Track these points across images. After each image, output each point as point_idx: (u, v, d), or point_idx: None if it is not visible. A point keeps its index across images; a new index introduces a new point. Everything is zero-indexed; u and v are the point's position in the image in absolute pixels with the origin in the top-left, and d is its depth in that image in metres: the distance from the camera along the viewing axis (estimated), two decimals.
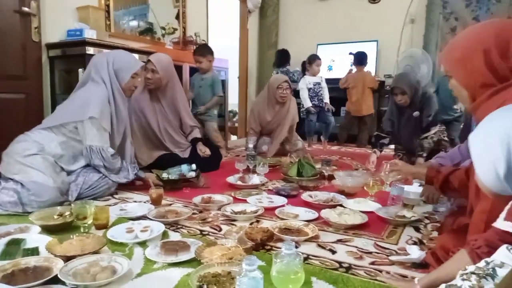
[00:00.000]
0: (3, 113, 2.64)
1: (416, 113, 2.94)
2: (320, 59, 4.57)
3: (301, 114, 4.39)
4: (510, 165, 0.77)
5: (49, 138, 2.03)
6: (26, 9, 2.74)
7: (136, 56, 3.21)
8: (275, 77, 3.69)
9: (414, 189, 2.08)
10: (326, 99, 4.49)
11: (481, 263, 0.83)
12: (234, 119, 6.28)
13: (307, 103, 4.43)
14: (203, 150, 2.94)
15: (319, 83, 4.50)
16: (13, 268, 1.18)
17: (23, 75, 2.79)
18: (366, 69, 4.80)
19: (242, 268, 0.94)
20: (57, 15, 2.99)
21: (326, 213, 1.77)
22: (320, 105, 4.47)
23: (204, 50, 3.70)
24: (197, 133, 3.05)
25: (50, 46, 2.95)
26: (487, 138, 0.82)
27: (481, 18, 4.65)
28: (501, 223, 0.91)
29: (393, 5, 5.25)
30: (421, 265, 1.30)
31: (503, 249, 0.82)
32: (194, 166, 2.45)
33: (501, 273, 0.78)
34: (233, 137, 5.86)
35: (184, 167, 2.41)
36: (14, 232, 1.50)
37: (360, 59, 4.71)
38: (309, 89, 4.47)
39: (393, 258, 1.36)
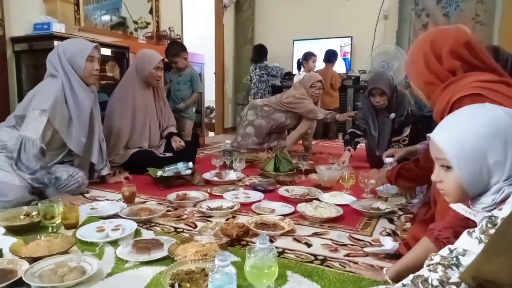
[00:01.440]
0: None
1: (392, 115, 2.79)
2: (315, 55, 4.54)
3: None
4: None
5: (11, 135, 1.93)
6: None
7: (108, 50, 3.15)
8: (309, 75, 3.66)
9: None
10: None
11: (445, 251, 0.84)
12: (211, 116, 6.23)
13: None
14: (178, 141, 2.87)
15: None
16: None
17: None
18: (335, 67, 4.92)
19: (215, 264, 0.92)
20: (22, 7, 2.86)
21: (302, 207, 1.78)
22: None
23: (176, 50, 3.61)
24: (173, 129, 3.00)
25: (16, 40, 2.82)
26: (479, 141, 0.79)
27: (451, 14, 4.78)
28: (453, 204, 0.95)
29: (367, 1, 5.32)
30: (395, 256, 1.31)
31: (464, 235, 0.84)
32: (190, 164, 2.41)
33: (465, 261, 0.79)
34: (211, 134, 5.81)
35: (180, 165, 2.36)
36: None
37: (328, 56, 4.81)
38: None
39: (367, 249, 1.37)
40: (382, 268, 1.19)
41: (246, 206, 1.88)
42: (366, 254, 1.35)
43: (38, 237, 1.33)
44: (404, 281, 0.89)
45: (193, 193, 2.07)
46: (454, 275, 0.79)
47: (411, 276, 0.88)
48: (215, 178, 2.44)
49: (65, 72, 2.05)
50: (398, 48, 4.68)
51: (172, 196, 1.99)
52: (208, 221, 1.69)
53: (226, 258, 0.92)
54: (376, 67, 4.62)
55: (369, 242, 1.47)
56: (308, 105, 3.44)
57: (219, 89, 5.84)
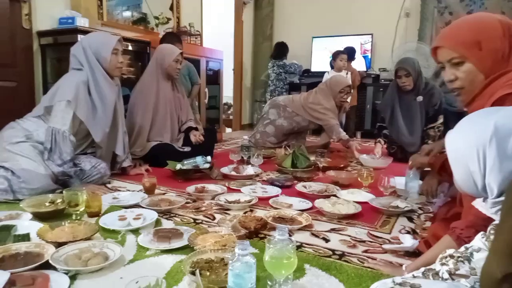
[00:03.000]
0: None
1: (419, 98, 2.88)
2: (344, 53, 4.40)
3: None
4: (486, 179, 0.80)
5: (37, 126, 2.00)
6: None
7: (130, 45, 3.20)
8: (338, 80, 3.52)
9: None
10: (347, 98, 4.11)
11: (461, 248, 0.85)
12: (229, 112, 6.26)
13: None
14: (198, 135, 2.91)
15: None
16: (3, 254, 1.16)
17: (12, 63, 2.75)
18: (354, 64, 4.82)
19: (235, 253, 0.93)
20: (49, 2, 2.94)
21: (320, 203, 1.77)
22: None
23: (173, 39, 3.40)
24: (192, 123, 3.04)
25: (42, 34, 2.91)
26: (465, 147, 0.82)
27: (475, 12, 4.67)
28: (475, 202, 0.93)
29: None
30: (414, 254, 1.30)
31: (478, 237, 0.85)
32: (208, 158, 2.43)
33: (477, 256, 0.80)
34: (228, 130, 5.84)
35: (199, 159, 2.39)
36: (4, 219, 1.48)
37: (348, 54, 4.66)
38: None
39: (386, 246, 1.36)
40: (401, 265, 1.18)
41: (263, 201, 1.89)
42: (385, 251, 1.34)
43: (63, 223, 1.38)
44: (415, 273, 0.90)
45: (211, 187, 2.09)
46: (464, 268, 0.80)
47: (422, 268, 0.89)
48: (233, 173, 2.46)
49: (90, 65, 2.10)
50: (425, 45, 4.58)
51: (191, 188, 2.02)
52: (226, 213, 1.71)
53: (246, 247, 0.93)
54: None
55: (388, 240, 1.46)
56: (331, 120, 3.35)
57: (237, 85, 5.86)
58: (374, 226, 1.59)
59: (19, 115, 2.09)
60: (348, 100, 3.68)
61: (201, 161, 2.42)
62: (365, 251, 1.34)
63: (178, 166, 2.37)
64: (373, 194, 2.00)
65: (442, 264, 0.84)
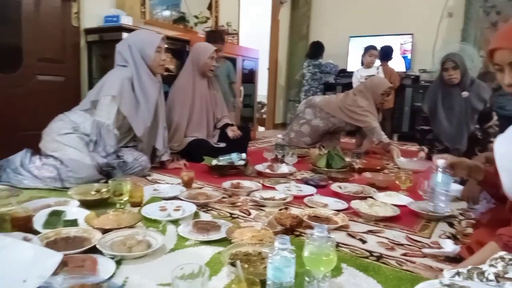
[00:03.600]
0: (44, 94, 2.77)
1: (465, 93, 2.80)
2: (374, 48, 4.21)
3: None
4: None
5: (84, 118, 2.10)
6: None
7: (170, 43, 3.29)
8: (379, 81, 3.45)
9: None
10: None
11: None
12: (262, 111, 6.29)
13: None
14: (235, 130, 2.97)
15: (372, 76, 3.98)
16: (55, 237, 1.24)
17: (62, 58, 2.90)
18: (392, 64, 4.69)
19: (275, 247, 0.95)
20: (96, 1, 3.08)
21: (356, 204, 1.76)
22: None
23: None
24: (227, 120, 3.10)
25: (88, 31, 3.05)
26: None
27: None
28: None
29: None
30: (454, 259, 1.26)
31: None
32: (244, 155, 2.48)
33: None
34: (261, 128, 5.87)
35: (234, 156, 2.44)
36: (53, 205, 1.56)
37: (384, 54, 4.55)
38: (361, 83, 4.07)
39: (426, 250, 1.33)
40: (441, 270, 1.15)
41: (298, 199, 1.90)
42: (424, 255, 1.31)
43: (108, 211, 1.45)
44: (460, 269, 0.88)
45: (246, 183, 2.12)
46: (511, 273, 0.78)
47: (469, 266, 0.86)
48: (267, 170, 2.48)
49: (134, 62, 2.19)
50: (470, 46, 4.40)
51: (227, 184, 2.05)
52: (261, 209, 1.73)
53: (285, 242, 0.95)
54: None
55: (427, 244, 1.42)
56: (372, 122, 3.26)
57: (272, 84, 5.88)
58: (413, 230, 1.56)
59: (66, 108, 2.21)
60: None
61: (236, 158, 2.46)
62: (404, 254, 1.32)
63: (214, 161, 2.42)
64: (412, 197, 1.95)
65: (491, 266, 0.82)
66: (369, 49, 4.26)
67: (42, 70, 2.77)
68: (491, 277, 0.80)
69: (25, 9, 2.64)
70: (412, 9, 5.19)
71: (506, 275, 0.79)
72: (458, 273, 0.87)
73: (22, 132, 2.62)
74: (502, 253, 0.84)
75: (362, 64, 4.38)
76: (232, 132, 2.95)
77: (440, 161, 1.40)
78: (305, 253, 0.99)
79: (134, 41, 2.22)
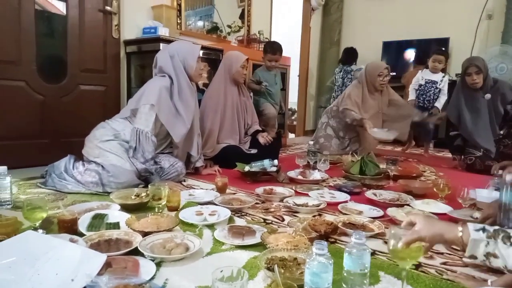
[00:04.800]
0: (86, 103, 2.92)
1: (487, 96, 2.84)
2: (440, 53, 3.81)
3: None
4: None
5: (124, 126, 2.19)
6: (108, 8, 2.99)
7: (205, 52, 3.38)
8: (373, 64, 3.48)
9: (487, 193, 1.95)
10: (437, 102, 3.82)
11: None
12: (293, 117, 6.28)
13: (410, 96, 3.98)
14: (266, 136, 3.03)
15: (434, 82, 3.82)
16: (99, 239, 1.30)
17: (103, 69, 3.05)
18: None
19: (313, 252, 0.95)
20: (134, 13, 3.22)
21: (392, 212, 1.72)
22: (425, 106, 3.84)
23: (281, 50, 3.75)
24: (258, 127, 3.14)
25: (128, 43, 3.18)
26: None
27: None
28: None
29: (468, 0, 4.92)
30: (498, 270, 1.21)
31: None
32: (276, 161, 2.50)
33: None
34: (291, 135, 5.87)
35: (266, 162, 2.47)
36: (96, 208, 1.65)
37: (418, 57, 4.44)
38: (419, 86, 3.90)
39: (467, 260, 1.29)
40: (485, 280, 1.11)
41: (332, 206, 1.88)
42: (466, 265, 1.27)
43: (147, 215, 1.50)
44: (487, 227, 0.88)
45: (279, 189, 2.13)
46: None
47: (496, 227, 0.87)
48: (300, 177, 2.48)
49: (175, 71, 2.28)
50: None
51: (259, 190, 2.07)
52: (295, 216, 1.73)
53: (323, 247, 0.95)
54: (492, 70, 4.09)
55: None
56: (344, 106, 3.35)
57: (302, 91, 5.87)
58: None
59: (107, 116, 2.32)
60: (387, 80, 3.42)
61: (268, 164, 2.48)
62: (444, 263, 1.28)
63: (247, 168, 2.45)
64: (451, 206, 1.89)
65: None
66: (433, 53, 3.88)
67: (85, 80, 2.93)
68: None
69: (70, 23, 2.81)
70: (448, 12, 5.04)
71: None
72: (483, 229, 0.87)
73: (66, 139, 2.77)
74: None
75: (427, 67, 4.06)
76: (263, 138, 2.98)
77: (510, 176, 1.34)
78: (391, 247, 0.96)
79: (176, 51, 2.31)
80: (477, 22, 4.86)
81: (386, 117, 3.50)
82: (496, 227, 0.87)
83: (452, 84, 4.69)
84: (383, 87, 3.40)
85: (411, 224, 0.97)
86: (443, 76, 3.85)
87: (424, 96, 3.86)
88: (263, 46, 4.09)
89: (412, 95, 3.97)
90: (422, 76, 3.91)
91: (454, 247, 1.42)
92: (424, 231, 0.91)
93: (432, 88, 3.82)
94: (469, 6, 4.89)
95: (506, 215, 1.24)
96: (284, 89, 4.06)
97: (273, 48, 3.71)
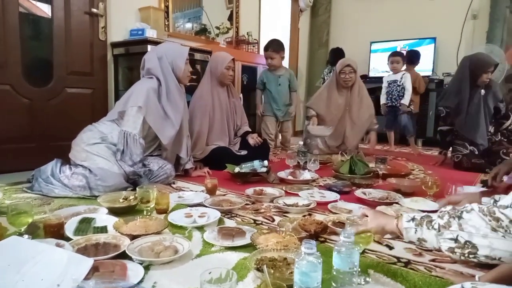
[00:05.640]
0: (73, 106, 2.88)
1: (482, 91, 2.97)
2: (395, 55, 4.19)
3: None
4: None
5: (111, 129, 2.16)
6: (94, 10, 2.95)
7: (193, 54, 3.37)
8: (340, 61, 3.60)
9: (475, 189, 1.97)
10: (403, 99, 4.09)
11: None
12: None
13: (381, 101, 4.30)
14: (256, 137, 3.02)
15: (395, 81, 4.14)
16: (86, 243, 1.28)
17: (90, 71, 3.01)
18: (419, 68, 4.64)
19: (301, 251, 0.95)
20: (121, 15, 3.19)
21: (382, 210, 1.72)
22: (393, 104, 4.16)
23: (278, 46, 3.77)
24: (247, 128, 3.14)
25: (115, 45, 3.15)
26: None
27: None
28: None
29: (453, 0, 5.00)
30: (486, 264, 1.22)
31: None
32: (266, 162, 2.50)
33: (467, 216, 0.87)
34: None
35: (256, 163, 2.46)
36: (83, 212, 1.62)
37: (409, 58, 4.52)
38: (386, 89, 4.25)
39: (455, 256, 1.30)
40: (473, 276, 1.12)
41: (321, 206, 1.88)
42: (454, 261, 1.28)
43: (135, 218, 1.48)
44: (416, 215, 1.02)
45: (269, 190, 2.12)
46: (454, 226, 0.89)
47: (423, 214, 1.01)
48: (290, 177, 2.48)
49: (163, 73, 2.25)
50: (497, 48, 4.30)
51: (250, 191, 2.06)
52: (285, 216, 1.73)
53: (312, 247, 0.95)
54: None
55: None
56: (310, 103, 3.66)
57: None
58: None
59: (95, 119, 2.29)
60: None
61: (258, 165, 2.47)
62: (433, 260, 1.29)
63: (237, 169, 2.44)
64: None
65: (439, 217, 0.94)
66: (391, 55, 4.25)
67: (72, 83, 2.89)
68: (436, 226, 0.93)
69: (56, 25, 2.77)
70: (434, 13, 5.12)
71: (450, 228, 0.90)
72: (413, 219, 1.01)
73: (53, 143, 2.73)
74: (449, 207, 0.95)
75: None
76: (253, 139, 2.97)
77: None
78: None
79: (164, 53, 2.29)
80: (463, 22, 4.94)
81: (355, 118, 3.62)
82: (423, 214, 1.00)
83: (439, 83, 4.78)
84: (347, 84, 3.50)
85: (364, 216, 1.19)
86: (403, 74, 4.13)
87: (390, 96, 4.20)
88: (251, 47, 4.11)
89: (383, 100, 4.27)
90: (386, 80, 4.22)
91: None
92: (371, 223, 1.12)
93: (395, 87, 4.15)
94: (455, 6, 4.97)
95: None
96: (294, 90, 3.92)
97: (266, 45, 3.74)
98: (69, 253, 1.14)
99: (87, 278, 1.02)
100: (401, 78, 4.13)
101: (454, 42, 4.97)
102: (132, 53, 3.07)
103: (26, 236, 1.32)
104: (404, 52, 4.60)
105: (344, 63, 3.50)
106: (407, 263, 1.26)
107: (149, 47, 2.89)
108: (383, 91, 4.27)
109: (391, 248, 1.39)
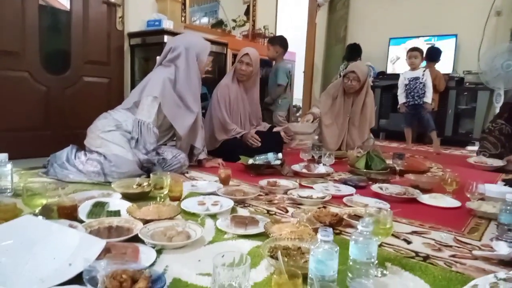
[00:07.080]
0: (89, 95, 2.90)
1: None
2: (413, 50, 3.98)
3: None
4: None
5: (126, 117, 2.16)
6: (112, 0, 2.96)
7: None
8: (351, 65, 3.46)
9: (496, 188, 1.91)
10: (425, 98, 3.90)
11: None
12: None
13: (400, 99, 4.09)
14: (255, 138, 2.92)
15: (417, 78, 3.93)
16: (99, 226, 1.28)
17: (107, 61, 3.03)
18: (439, 66, 4.50)
19: (317, 239, 0.92)
20: (139, 6, 3.19)
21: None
22: (416, 103, 3.95)
23: (274, 40, 3.84)
24: (267, 125, 3.16)
25: (132, 35, 3.16)
26: None
27: None
28: None
29: None
30: (509, 263, 1.17)
31: None
32: (280, 155, 2.47)
33: None
34: None
35: (270, 155, 2.43)
36: (97, 197, 1.62)
37: (430, 55, 4.37)
38: (405, 87, 4.01)
39: (476, 253, 1.25)
40: (495, 273, 1.07)
41: (337, 199, 1.85)
42: (475, 258, 1.23)
43: (149, 204, 1.47)
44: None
45: (283, 182, 2.09)
46: None
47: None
48: (304, 170, 2.44)
49: (187, 63, 2.26)
50: None
51: (263, 182, 2.04)
52: (298, 208, 1.69)
53: (329, 234, 0.91)
54: (497, 67, 4.05)
55: (477, 246, 1.33)
56: (319, 100, 3.51)
57: (307, 88, 5.82)
58: (461, 232, 1.47)
59: (110, 108, 2.29)
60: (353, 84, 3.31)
61: (272, 158, 2.44)
62: (452, 256, 1.24)
63: (250, 161, 2.42)
64: (459, 200, 1.84)
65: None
66: (409, 50, 4.08)
67: (88, 72, 2.91)
68: None
69: (74, 17, 2.79)
70: (456, 9, 4.98)
71: None
72: None
73: (69, 130, 2.76)
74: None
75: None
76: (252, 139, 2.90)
77: None
78: None
79: (192, 45, 2.31)
80: (486, 19, 4.79)
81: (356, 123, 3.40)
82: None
83: (459, 81, 4.65)
84: (349, 90, 3.27)
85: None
86: (424, 71, 3.95)
87: (412, 93, 3.95)
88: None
89: (401, 99, 4.05)
90: (404, 77, 4.02)
91: (462, 240, 1.39)
92: None
93: (417, 84, 3.92)
94: (478, 3, 4.82)
95: None
96: (282, 84, 3.84)
97: (286, 42, 3.85)
98: (81, 234, 1.14)
99: (99, 258, 1.01)
100: (423, 75, 3.93)
101: (476, 39, 4.82)
102: (148, 43, 3.08)
103: (40, 217, 1.32)
104: (425, 49, 4.47)
105: (351, 68, 3.27)
106: (426, 257, 1.21)
107: (166, 38, 2.89)
108: (401, 89, 4.03)
109: (409, 242, 1.35)
